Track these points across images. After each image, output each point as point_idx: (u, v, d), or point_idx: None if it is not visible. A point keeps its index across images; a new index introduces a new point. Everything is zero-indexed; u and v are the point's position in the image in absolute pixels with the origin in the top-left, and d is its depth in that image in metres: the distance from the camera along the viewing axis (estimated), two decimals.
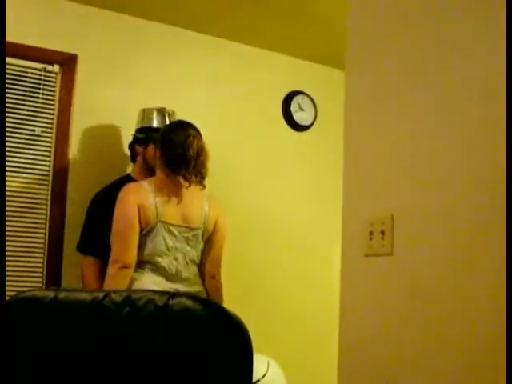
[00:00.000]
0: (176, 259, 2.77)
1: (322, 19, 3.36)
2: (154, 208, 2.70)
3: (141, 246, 2.70)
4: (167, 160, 2.77)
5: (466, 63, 1.58)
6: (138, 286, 2.66)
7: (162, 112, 3.16)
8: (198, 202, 2.86)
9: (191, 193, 2.82)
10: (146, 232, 2.71)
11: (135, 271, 2.68)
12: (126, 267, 2.62)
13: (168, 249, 2.75)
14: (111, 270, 2.61)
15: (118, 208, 2.69)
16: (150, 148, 3.03)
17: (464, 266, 1.53)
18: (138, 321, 1.13)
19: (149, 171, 2.98)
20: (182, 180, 2.78)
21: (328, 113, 3.98)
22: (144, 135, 3.08)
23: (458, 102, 1.59)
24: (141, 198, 2.70)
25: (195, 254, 2.85)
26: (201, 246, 2.88)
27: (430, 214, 1.64)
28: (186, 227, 2.80)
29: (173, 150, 2.75)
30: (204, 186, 2.84)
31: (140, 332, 1.12)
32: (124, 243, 2.65)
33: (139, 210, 2.67)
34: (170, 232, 2.75)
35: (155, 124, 3.12)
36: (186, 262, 2.81)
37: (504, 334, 1.35)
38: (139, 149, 3.10)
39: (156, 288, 2.61)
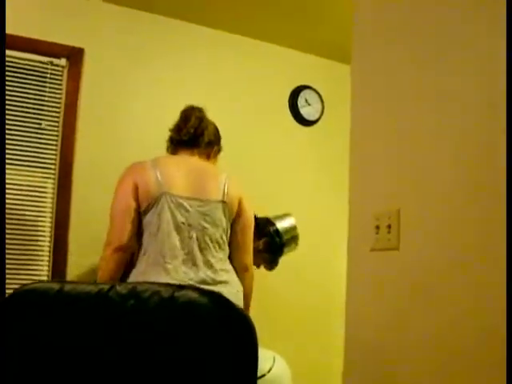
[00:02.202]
0: (191, 238, 2.44)
1: (328, 14, 3.35)
2: (154, 180, 2.43)
3: (144, 227, 2.45)
4: (170, 137, 2.69)
5: (470, 57, 1.57)
6: (139, 277, 2.39)
7: None
8: (213, 175, 2.56)
9: (203, 166, 2.60)
10: (146, 208, 2.43)
11: (138, 259, 2.45)
12: (118, 250, 2.40)
13: (178, 226, 2.43)
14: (104, 253, 2.42)
15: (115, 190, 2.50)
16: None
17: (470, 262, 1.52)
18: (143, 313, 1.13)
19: None
20: (187, 155, 2.61)
21: (335, 107, 3.97)
22: None
23: (464, 98, 1.59)
24: (138, 174, 2.46)
25: (217, 233, 2.48)
26: (224, 224, 2.50)
27: (437, 208, 1.64)
28: (201, 200, 2.47)
29: (174, 127, 2.70)
30: (213, 159, 2.70)
31: (145, 324, 1.12)
32: (116, 225, 2.43)
33: (137, 188, 2.43)
34: (179, 206, 2.43)
35: None
36: (207, 243, 2.45)
37: (505, 326, 1.35)
38: None
39: (163, 280, 2.32)
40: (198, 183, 2.50)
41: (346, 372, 1.92)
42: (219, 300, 1.10)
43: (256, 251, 2.74)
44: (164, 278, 2.35)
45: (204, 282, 2.41)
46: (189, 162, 2.57)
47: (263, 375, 2.79)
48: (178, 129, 2.66)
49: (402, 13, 1.86)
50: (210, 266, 2.45)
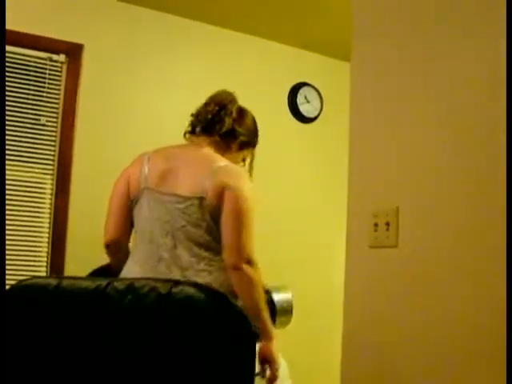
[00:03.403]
0: (167, 235, 2.23)
1: (328, 11, 3.34)
2: (141, 174, 2.29)
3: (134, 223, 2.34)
4: (190, 122, 2.50)
5: (469, 55, 1.57)
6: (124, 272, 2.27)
7: None
8: (207, 168, 2.27)
9: (202, 158, 2.34)
10: (133, 204, 2.31)
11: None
12: (106, 246, 2.34)
13: (154, 223, 2.25)
14: None
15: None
16: None
17: (468, 259, 1.53)
18: (141, 309, 1.13)
19: None
20: (197, 145, 2.40)
21: (334, 105, 3.96)
22: None
23: (462, 95, 1.59)
24: (134, 167, 2.35)
25: (197, 232, 2.22)
26: (206, 222, 2.22)
27: (435, 206, 1.64)
28: (176, 195, 2.23)
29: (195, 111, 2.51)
30: (235, 153, 2.48)
31: (142, 320, 1.12)
32: (106, 221, 2.36)
33: (129, 182, 2.32)
34: (158, 201, 2.25)
35: None
36: (184, 243, 2.22)
37: (505, 324, 1.35)
38: None
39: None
40: (178, 177, 2.26)
41: (343, 368, 1.93)
42: (216, 296, 1.10)
43: None
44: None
45: None
46: (189, 154, 2.36)
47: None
48: (196, 113, 2.47)
49: (402, 10, 1.86)
50: (189, 266, 2.21)
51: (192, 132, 2.45)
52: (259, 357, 2.21)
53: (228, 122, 2.42)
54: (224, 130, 2.41)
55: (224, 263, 2.21)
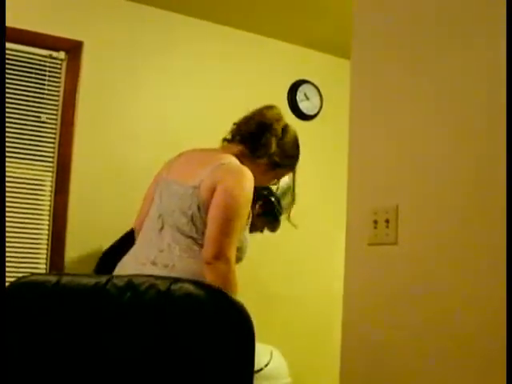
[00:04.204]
0: (159, 218, 2.31)
1: (327, 8, 3.34)
2: (163, 170, 2.42)
3: None
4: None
5: (468, 54, 1.58)
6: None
7: None
8: (208, 160, 2.32)
9: (210, 154, 2.39)
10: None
11: None
12: (133, 228, 2.50)
13: (153, 208, 2.36)
14: None
15: None
16: None
17: (467, 256, 1.53)
18: (140, 306, 1.13)
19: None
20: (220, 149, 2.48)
21: (334, 102, 3.96)
22: None
23: (461, 93, 1.59)
24: (162, 168, 2.46)
25: (182, 220, 2.24)
26: (190, 212, 2.23)
27: (435, 204, 1.64)
28: (177, 183, 2.30)
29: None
30: (250, 161, 2.42)
31: (142, 317, 1.12)
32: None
33: (155, 181, 2.44)
34: (165, 188, 2.34)
35: None
36: (170, 227, 2.28)
37: (505, 322, 1.35)
38: None
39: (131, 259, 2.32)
40: (189, 168, 2.32)
41: (343, 367, 1.93)
42: (216, 293, 1.10)
43: (256, 217, 2.65)
44: (131, 258, 2.35)
45: (153, 263, 2.24)
46: (200, 154, 2.43)
47: (260, 369, 2.79)
48: (238, 124, 2.54)
49: (402, 8, 1.86)
50: (165, 248, 2.24)
51: (230, 140, 2.52)
52: None
53: (274, 144, 2.46)
54: (246, 136, 2.46)
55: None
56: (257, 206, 2.79)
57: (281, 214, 2.96)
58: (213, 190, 2.20)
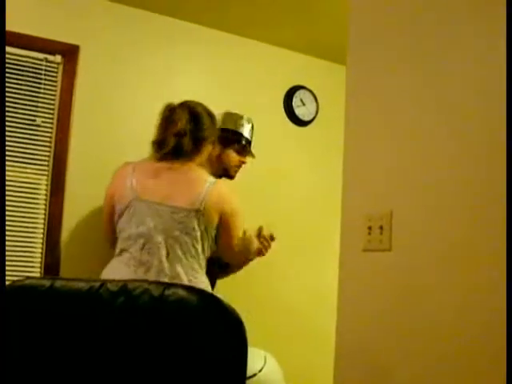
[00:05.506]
0: (159, 243, 2.42)
1: (323, 14, 3.35)
2: (129, 185, 2.50)
3: (119, 231, 2.56)
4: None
5: (466, 58, 1.58)
6: (109, 273, 2.48)
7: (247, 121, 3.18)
8: (195, 182, 2.52)
9: (186, 172, 2.56)
10: (120, 213, 2.52)
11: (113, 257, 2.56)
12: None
13: (144, 232, 2.44)
14: None
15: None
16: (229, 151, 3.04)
17: (461, 263, 1.53)
18: (133, 311, 1.13)
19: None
20: (167, 163, 2.57)
21: (330, 108, 3.97)
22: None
23: (458, 99, 1.59)
24: (118, 179, 2.59)
25: (189, 241, 2.45)
26: (197, 234, 2.45)
27: (429, 210, 1.64)
28: (175, 207, 2.44)
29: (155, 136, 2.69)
30: (192, 160, 2.60)
31: (135, 322, 1.12)
32: (104, 228, 2.74)
33: (114, 193, 2.57)
34: (151, 209, 2.45)
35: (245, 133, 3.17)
36: (176, 251, 2.43)
37: (502, 329, 1.35)
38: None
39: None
40: (174, 190, 2.48)
41: (337, 373, 1.93)
42: (208, 298, 1.10)
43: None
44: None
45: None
46: (170, 169, 2.55)
47: (254, 374, 2.79)
48: (157, 140, 2.65)
49: (398, 13, 1.86)
50: (176, 275, 2.42)
51: (158, 150, 2.67)
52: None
53: (186, 141, 2.62)
54: (190, 148, 2.62)
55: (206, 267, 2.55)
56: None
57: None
58: (221, 218, 2.53)
